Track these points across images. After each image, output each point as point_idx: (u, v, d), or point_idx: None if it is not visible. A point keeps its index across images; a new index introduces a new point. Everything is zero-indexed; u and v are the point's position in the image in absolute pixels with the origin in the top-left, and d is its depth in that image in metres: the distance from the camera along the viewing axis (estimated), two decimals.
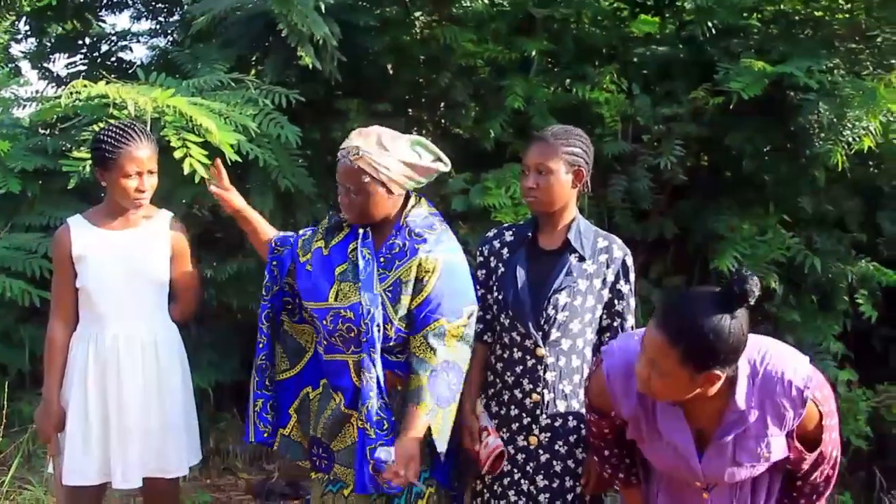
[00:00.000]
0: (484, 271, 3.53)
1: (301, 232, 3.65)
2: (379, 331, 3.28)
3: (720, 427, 2.73)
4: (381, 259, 3.35)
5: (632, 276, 3.46)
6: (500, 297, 3.45)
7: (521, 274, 3.41)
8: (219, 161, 3.73)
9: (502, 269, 3.47)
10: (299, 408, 3.60)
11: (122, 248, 3.62)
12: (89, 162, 4.20)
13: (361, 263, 3.32)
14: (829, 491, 2.94)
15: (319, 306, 3.37)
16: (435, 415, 3.26)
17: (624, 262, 3.44)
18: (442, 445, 3.28)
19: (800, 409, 2.68)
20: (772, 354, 2.72)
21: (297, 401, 3.60)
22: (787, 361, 2.73)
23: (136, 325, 3.65)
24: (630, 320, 3.46)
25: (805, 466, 2.81)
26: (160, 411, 3.66)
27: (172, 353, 3.75)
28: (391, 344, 3.33)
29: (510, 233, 3.56)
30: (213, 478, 5.63)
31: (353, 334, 3.30)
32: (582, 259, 3.39)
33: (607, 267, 3.41)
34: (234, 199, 3.69)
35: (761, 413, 2.69)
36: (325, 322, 3.36)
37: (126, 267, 3.61)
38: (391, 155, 3.29)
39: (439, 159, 3.41)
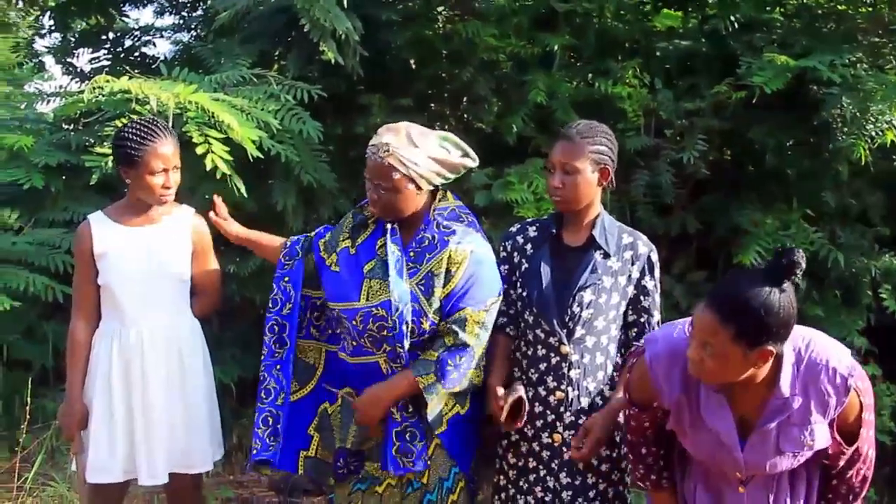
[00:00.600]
0: (507, 266, 3.53)
1: (316, 232, 3.65)
2: (407, 327, 3.29)
3: (764, 415, 2.72)
4: (412, 253, 3.36)
5: (657, 272, 3.45)
6: (525, 293, 3.44)
7: (545, 271, 3.40)
8: (217, 198, 3.75)
9: (526, 266, 3.46)
10: (320, 425, 3.59)
11: (145, 245, 3.63)
12: (111, 158, 4.22)
13: (392, 259, 3.33)
14: (865, 492, 2.93)
15: (350, 307, 3.37)
16: (436, 393, 3.30)
17: (649, 258, 3.43)
18: (432, 417, 3.34)
19: (843, 397, 2.67)
20: (816, 342, 2.72)
21: (317, 418, 3.60)
22: (831, 350, 2.72)
23: (160, 322, 3.66)
24: (656, 316, 3.45)
25: (841, 463, 2.80)
26: (185, 407, 3.68)
27: (196, 349, 3.76)
28: (425, 338, 3.35)
29: (533, 228, 3.55)
30: (236, 474, 5.64)
31: (384, 333, 3.30)
32: (607, 256, 3.38)
33: (632, 263, 3.40)
34: (232, 228, 3.75)
35: (805, 400, 2.68)
36: (354, 322, 3.36)
37: (149, 263, 3.62)
38: (421, 151, 3.29)
39: (467, 155, 3.42)
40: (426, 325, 3.32)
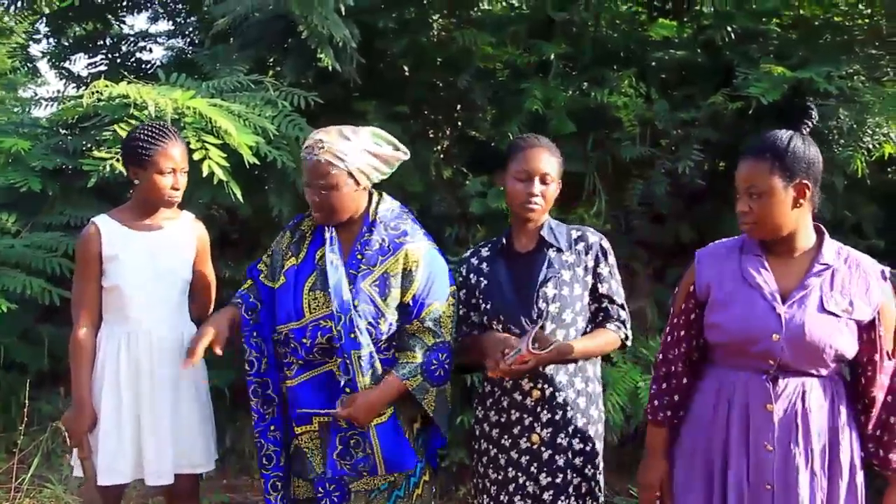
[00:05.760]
0: (465, 290, 3.53)
1: (250, 271, 3.63)
2: (359, 334, 3.28)
3: (806, 276, 2.89)
4: (359, 256, 3.36)
5: (611, 259, 3.47)
6: (488, 306, 3.44)
7: (504, 278, 3.43)
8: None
9: (485, 282, 3.47)
10: (294, 459, 3.52)
11: (153, 249, 3.65)
12: (111, 161, 4.25)
13: (330, 270, 3.33)
14: None
15: (298, 325, 3.36)
16: (426, 392, 3.32)
17: (601, 246, 3.45)
18: (442, 422, 3.42)
19: (883, 283, 2.88)
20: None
21: (286, 455, 3.55)
22: None
23: (166, 324, 3.67)
24: (619, 300, 3.46)
25: (884, 374, 2.89)
26: (190, 408, 3.69)
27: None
28: (382, 339, 3.34)
29: (486, 248, 3.57)
30: (230, 478, 5.64)
31: (333, 344, 3.30)
32: (560, 251, 3.41)
33: (586, 254, 3.42)
34: (217, 339, 3.45)
35: (847, 273, 2.88)
36: (304, 340, 3.33)
37: (156, 267, 3.64)
38: (354, 144, 3.31)
39: (398, 148, 3.43)
40: (384, 327, 3.33)
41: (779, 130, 2.91)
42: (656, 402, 3.15)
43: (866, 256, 2.94)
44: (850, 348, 2.84)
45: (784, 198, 2.83)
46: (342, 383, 3.30)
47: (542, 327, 3.25)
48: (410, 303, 3.34)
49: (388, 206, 3.48)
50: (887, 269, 2.90)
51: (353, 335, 3.26)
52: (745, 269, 2.94)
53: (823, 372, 2.86)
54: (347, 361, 3.27)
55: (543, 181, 3.37)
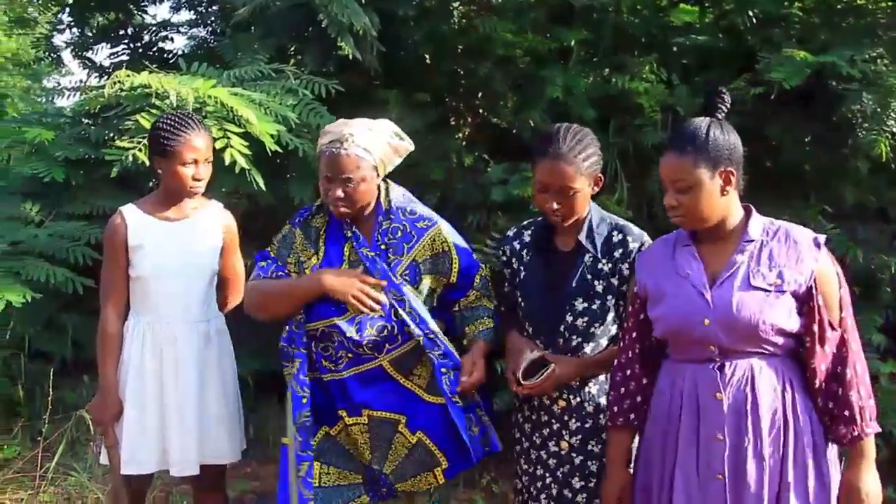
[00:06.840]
0: (509, 270, 3.50)
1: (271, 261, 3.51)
2: (421, 310, 3.31)
3: (733, 254, 2.90)
4: (382, 246, 3.37)
5: None
6: (523, 304, 3.43)
7: (540, 280, 3.39)
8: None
9: (524, 273, 3.44)
10: (321, 449, 3.40)
11: (179, 238, 3.68)
12: (134, 150, 4.26)
13: (367, 265, 3.34)
14: (872, 419, 2.87)
15: (345, 318, 3.30)
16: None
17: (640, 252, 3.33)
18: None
19: (815, 251, 2.86)
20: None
21: (315, 443, 3.40)
22: None
23: (192, 314, 3.70)
24: None
25: (827, 345, 2.84)
26: (216, 399, 3.72)
27: (223, 341, 3.81)
28: None
29: (528, 233, 3.50)
30: (254, 467, 5.66)
31: (385, 332, 3.29)
32: (597, 258, 3.33)
33: (623, 261, 3.31)
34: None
35: (778, 246, 2.88)
36: (349, 334, 3.28)
37: (183, 257, 3.67)
38: (377, 136, 3.33)
39: (403, 139, 3.47)
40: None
41: (695, 119, 2.95)
42: (616, 408, 3.14)
43: (799, 227, 2.96)
44: (788, 322, 2.82)
45: (712, 188, 2.86)
46: (435, 361, 3.30)
47: (543, 358, 3.26)
48: (457, 280, 3.41)
49: (398, 191, 3.51)
50: (822, 237, 2.90)
51: (413, 313, 3.31)
52: (677, 261, 2.98)
53: (771, 350, 2.84)
54: (430, 336, 3.30)
55: (563, 193, 3.22)
